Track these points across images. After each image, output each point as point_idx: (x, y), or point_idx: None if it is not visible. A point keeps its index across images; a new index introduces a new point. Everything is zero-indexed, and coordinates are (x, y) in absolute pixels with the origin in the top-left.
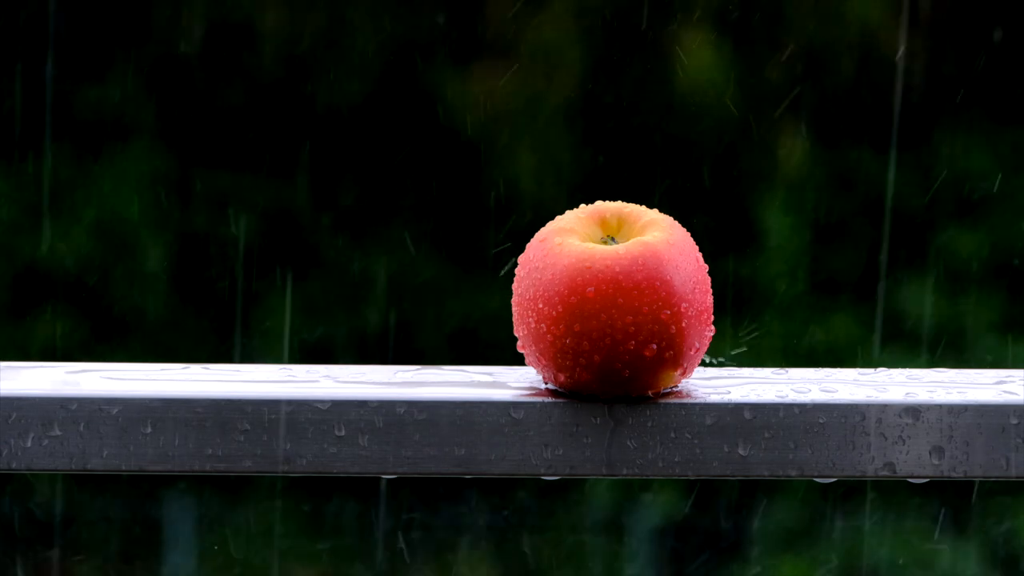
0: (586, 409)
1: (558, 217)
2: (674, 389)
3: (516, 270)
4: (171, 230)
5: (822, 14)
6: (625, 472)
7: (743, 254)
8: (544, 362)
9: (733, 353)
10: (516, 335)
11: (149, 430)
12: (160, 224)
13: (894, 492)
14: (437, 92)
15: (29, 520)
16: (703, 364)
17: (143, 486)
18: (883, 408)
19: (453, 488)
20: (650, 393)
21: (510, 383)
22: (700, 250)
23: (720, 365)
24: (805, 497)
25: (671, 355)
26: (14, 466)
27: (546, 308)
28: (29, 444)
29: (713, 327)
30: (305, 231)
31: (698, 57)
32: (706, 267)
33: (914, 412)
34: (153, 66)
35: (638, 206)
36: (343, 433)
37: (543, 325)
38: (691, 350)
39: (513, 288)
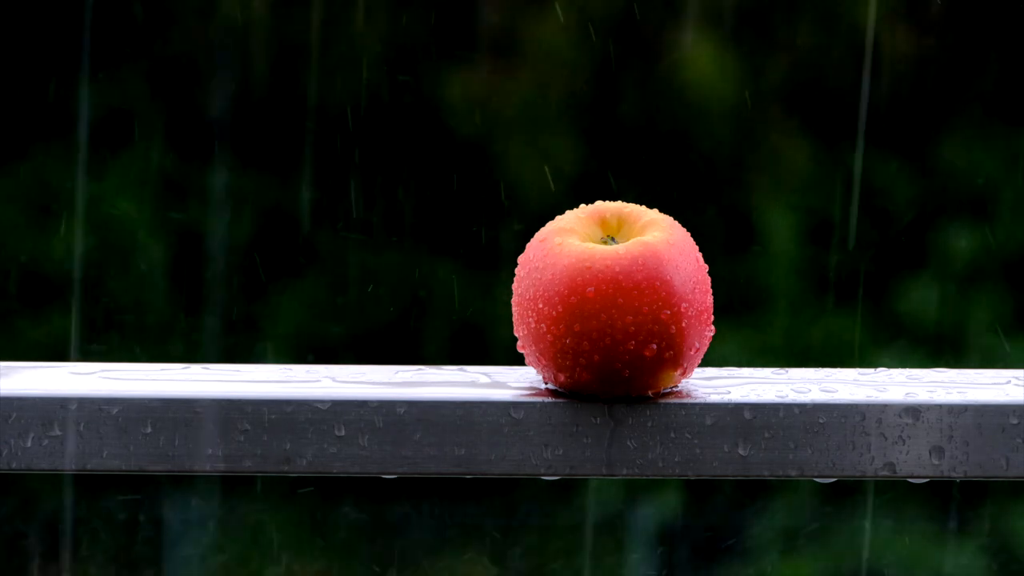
0: (586, 409)
1: (558, 217)
2: (674, 389)
3: (516, 270)
4: (171, 230)
5: (823, 14)
6: (625, 472)
7: (743, 254)
8: (544, 362)
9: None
10: (516, 335)
11: (149, 430)
12: (160, 224)
13: (894, 492)
14: (437, 92)
15: (29, 520)
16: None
17: (143, 486)
18: (883, 408)
19: (453, 488)
20: (650, 393)
21: (510, 383)
22: (700, 250)
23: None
24: (805, 497)
25: (671, 355)
26: (14, 466)
27: (546, 308)
28: (29, 444)
29: (713, 327)
30: (305, 231)
31: (699, 57)
32: (706, 267)
33: (914, 412)
34: (153, 66)
35: (638, 206)
36: (343, 433)
37: (543, 325)
38: (691, 350)
39: (513, 288)
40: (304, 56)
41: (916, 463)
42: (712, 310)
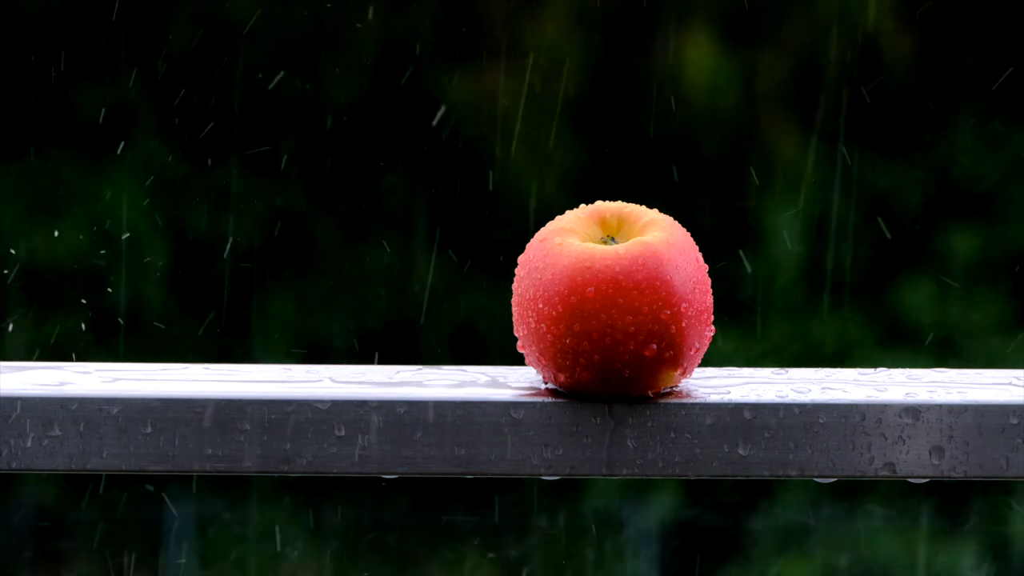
0: (586, 409)
1: (558, 217)
2: (674, 389)
3: (516, 270)
4: (171, 230)
5: (823, 13)
6: (625, 472)
7: (743, 254)
8: (544, 362)
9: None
10: (516, 335)
11: (149, 430)
12: (160, 224)
13: (894, 492)
14: (437, 92)
15: (29, 520)
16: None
17: (143, 486)
18: (883, 408)
19: (453, 488)
20: (650, 393)
21: (510, 383)
22: (700, 250)
23: None
24: (805, 497)
25: (671, 355)
26: (14, 466)
27: (546, 308)
28: (29, 444)
29: (713, 327)
30: (305, 231)
31: (698, 56)
32: (706, 267)
33: (914, 412)
34: (153, 66)
35: (638, 206)
36: (343, 433)
37: (543, 325)
38: (691, 350)
39: (513, 288)
40: (304, 56)
41: (916, 463)
42: (712, 310)
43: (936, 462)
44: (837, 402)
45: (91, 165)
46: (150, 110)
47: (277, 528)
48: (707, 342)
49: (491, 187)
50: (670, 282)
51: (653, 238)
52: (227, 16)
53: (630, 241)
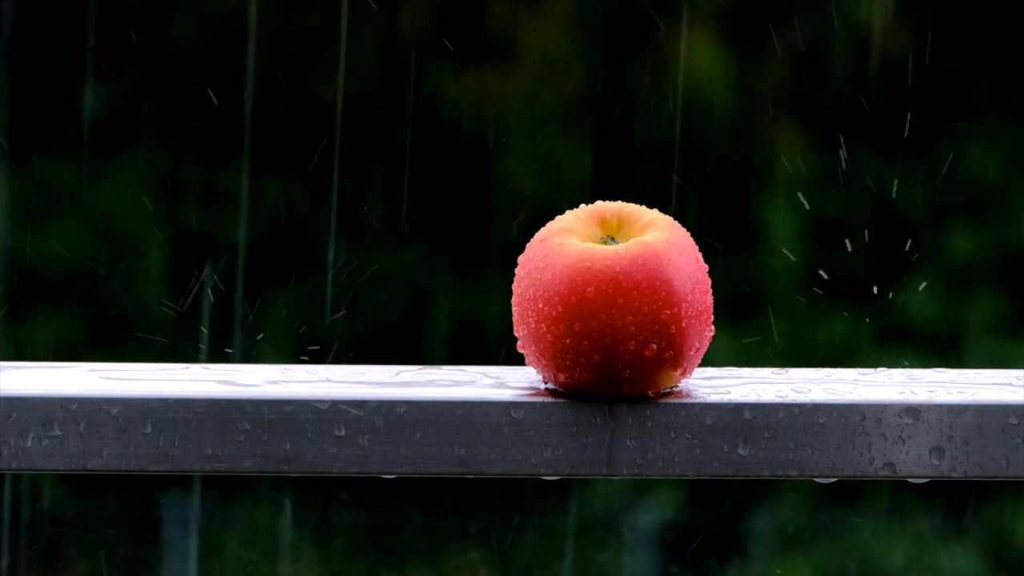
0: (586, 409)
1: (558, 217)
2: (674, 389)
3: (516, 270)
4: (171, 230)
5: (823, 13)
6: (625, 472)
7: (743, 254)
8: (544, 362)
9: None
10: (516, 335)
11: (149, 430)
12: (160, 224)
13: (894, 492)
14: (437, 92)
15: (29, 520)
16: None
17: (143, 486)
18: (883, 408)
19: (453, 488)
20: (650, 393)
21: (510, 383)
22: (700, 250)
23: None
24: (805, 497)
25: (671, 355)
26: (14, 466)
27: (546, 308)
28: (29, 444)
29: (713, 327)
30: (305, 231)
31: (698, 56)
32: (706, 267)
33: (914, 412)
34: (153, 66)
35: (638, 206)
36: (343, 433)
37: (543, 325)
38: (691, 350)
39: (513, 288)
40: (304, 56)
41: (916, 463)
42: (712, 310)
43: (936, 462)
44: (837, 402)
45: (91, 165)
46: (150, 110)
47: (277, 528)
48: (707, 342)
49: (491, 187)
50: (670, 282)
51: (653, 238)
52: (227, 16)
53: (630, 241)
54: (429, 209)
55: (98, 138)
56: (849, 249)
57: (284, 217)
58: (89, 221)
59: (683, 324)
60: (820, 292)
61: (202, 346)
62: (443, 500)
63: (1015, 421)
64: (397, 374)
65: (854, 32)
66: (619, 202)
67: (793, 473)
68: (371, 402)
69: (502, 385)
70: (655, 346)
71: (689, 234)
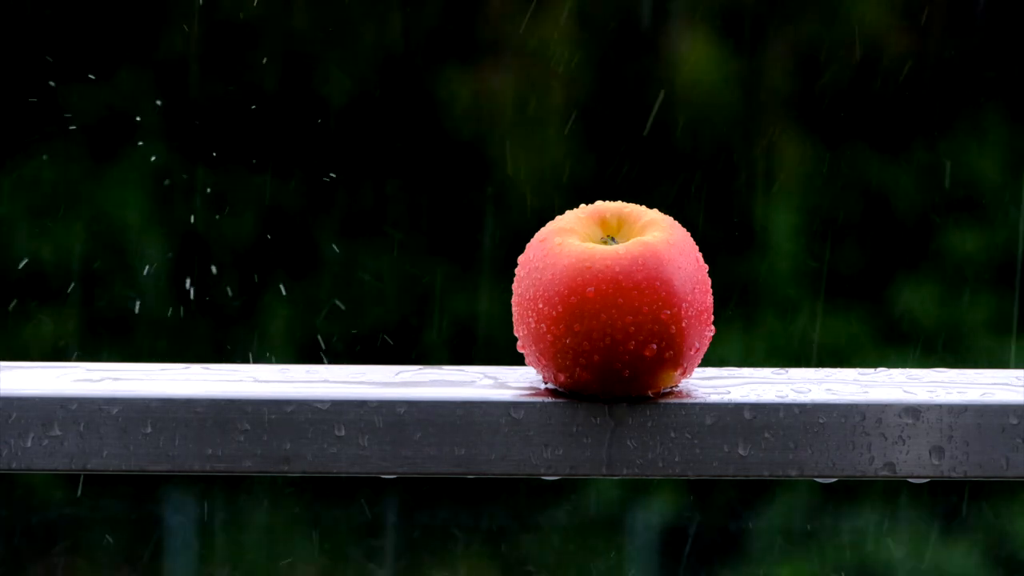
0: (586, 409)
1: (558, 217)
2: (674, 389)
3: (516, 270)
4: (171, 230)
5: (823, 13)
6: (625, 472)
7: (743, 254)
8: (544, 362)
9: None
10: (516, 335)
11: (149, 430)
12: (160, 224)
13: (894, 492)
14: (437, 92)
15: (29, 520)
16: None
17: (143, 486)
18: (883, 408)
19: (453, 488)
20: (650, 393)
21: (510, 383)
22: (700, 250)
23: None
24: (805, 497)
25: (671, 355)
26: (14, 466)
27: (546, 308)
28: (29, 444)
29: (713, 327)
30: (305, 231)
31: (698, 57)
32: (706, 267)
33: (914, 412)
34: (153, 65)
35: (638, 206)
36: (343, 433)
37: (543, 325)
38: (691, 350)
39: (513, 288)
40: (304, 56)
41: (916, 463)
42: (712, 310)
43: (936, 462)
44: (837, 402)
45: (91, 165)
46: (150, 110)
47: (277, 528)
48: (707, 342)
49: (491, 187)
50: (670, 282)
51: (653, 238)
52: (228, 15)
53: (630, 241)
54: (429, 209)
55: (99, 138)
56: (849, 249)
57: (284, 217)
58: (89, 221)
59: (683, 324)
60: (820, 292)
61: (202, 346)
62: (443, 500)
63: (1015, 421)
64: (397, 374)
65: (854, 32)
66: (619, 202)
67: (793, 473)
68: (371, 402)
69: (502, 385)
70: (655, 346)
71: (689, 234)
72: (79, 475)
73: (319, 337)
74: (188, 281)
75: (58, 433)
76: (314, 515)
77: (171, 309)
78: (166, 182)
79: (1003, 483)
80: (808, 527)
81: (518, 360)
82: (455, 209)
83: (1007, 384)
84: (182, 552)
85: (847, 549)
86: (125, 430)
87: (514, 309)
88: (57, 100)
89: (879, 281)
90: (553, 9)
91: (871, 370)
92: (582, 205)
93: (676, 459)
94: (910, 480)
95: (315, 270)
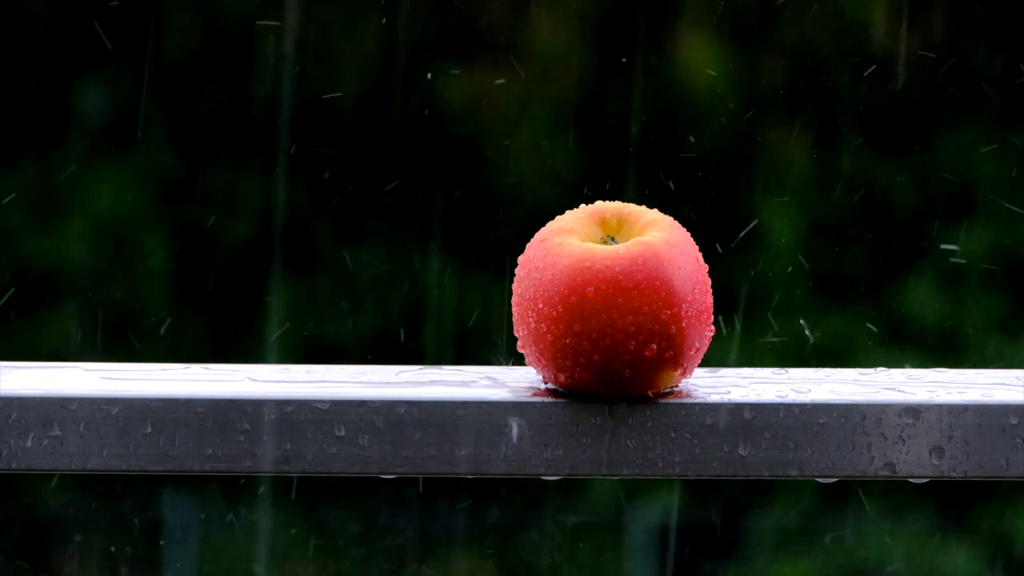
0: (586, 409)
1: (558, 217)
2: (674, 389)
3: (516, 270)
4: (171, 230)
5: (822, 13)
6: (625, 472)
7: (743, 254)
8: (544, 362)
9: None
10: (516, 335)
11: (149, 430)
12: (160, 224)
13: (894, 492)
14: (437, 92)
15: (29, 520)
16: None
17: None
18: (883, 408)
19: (452, 488)
20: (650, 393)
21: (510, 383)
22: (700, 250)
23: None
24: (805, 497)
25: (671, 355)
26: (14, 466)
27: (546, 308)
28: (29, 444)
29: (713, 327)
30: (305, 231)
31: (698, 57)
32: (706, 267)
33: (914, 412)
34: (153, 65)
35: (638, 206)
36: (343, 433)
37: (543, 325)
38: (691, 350)
39: (513, 288)
40: (303, 56)
41: (916, 463)
42: (712, 310)
43: (936, 462)
44: (837, 402)
45: (92, 165)
46: (152, 110)
47: (276, 528)
48: (707, 342)
49: (491, 187)
50: (670, 282)
51: (653, 238)
52: (228, 15)
53: (630, 241)
54: (429, 208)
55: (99, 138)
56: (849, 249)
57: (284, 217)
58: (90, 220)
59: (683, 324)
60: (820, 292)
61: (202, 346)
62: (443, 500)
63: (1015, 421)
64: (397, 374)
65: (854, 31)
66: (619, 202)
67: (793, 473)
68: (371, 402)
69: (502, 385)
70: (655, 346)
71: (689, 234)
72: (79, 475)
73: (319, 337)
74: (188, 281)
75: (58, 433)
76: (314, 515)
77: (171, 309)
78: (166, 181)
79: (1003, 483)
80: (808, 527)
81: (518, 360)
82: (455, 209)
83: (1007, 384)
84: (182, 552)
85: (847, 549)
86: (125, 430)
87: (514, 309)
88: (57, 100)
89: (879, 281)
90: (553, 8)
91: (871, 370)
92: (582, 205)
93: (676, 459)
94: (910, 480)
95: (315, 270)
